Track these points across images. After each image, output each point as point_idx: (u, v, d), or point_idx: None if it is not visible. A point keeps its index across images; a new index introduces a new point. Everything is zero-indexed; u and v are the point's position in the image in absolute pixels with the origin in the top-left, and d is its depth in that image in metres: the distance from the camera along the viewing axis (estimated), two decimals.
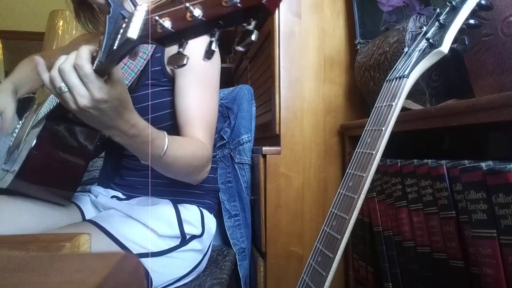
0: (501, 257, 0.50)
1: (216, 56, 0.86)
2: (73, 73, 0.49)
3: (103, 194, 0.92)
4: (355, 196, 0.58)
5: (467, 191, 0.55)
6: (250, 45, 0.33)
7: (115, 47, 0.43)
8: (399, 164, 0.72)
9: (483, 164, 0.52)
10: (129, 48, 0.43)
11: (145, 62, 0.79)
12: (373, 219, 0.82)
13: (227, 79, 2.05)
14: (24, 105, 0.95)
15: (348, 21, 1.10)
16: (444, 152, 0.81)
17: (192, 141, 0.75)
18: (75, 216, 0.88)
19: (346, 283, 1.04)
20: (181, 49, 0.39)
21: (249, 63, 1.54)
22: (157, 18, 0.36)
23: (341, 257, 0.57)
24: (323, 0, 1.09)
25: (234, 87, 1.20)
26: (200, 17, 0.33)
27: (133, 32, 0.39)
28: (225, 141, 1.13)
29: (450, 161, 0.60)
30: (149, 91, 0.81)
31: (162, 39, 0.37)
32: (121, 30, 0.43)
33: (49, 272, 0.20)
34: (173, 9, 0.35)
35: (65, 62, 0.50)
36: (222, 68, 0.94)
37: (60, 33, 2.48)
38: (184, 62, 0.39)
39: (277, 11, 1.07)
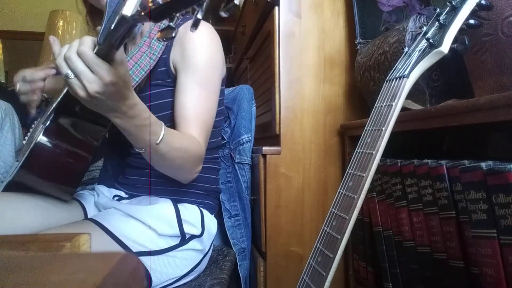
0: (501, 257, 0.50)
1: (221, 60, 0.87)
2: (79, 59, 0.51)
3: (105, 194, 0.93)
4: (355, 196, 0.58)
5: (467, 191, 0.55)
6: (233, 10, 0.35)
7: (112, 28, 0.44)
8: (399, 164, 0.72)
9: (483, 164, 0.52)
10: (125, 27, 0.43)
11: (154, 63, 0.81)
12: (373, 219, 0.82)
13: (227, 79, 2.04)
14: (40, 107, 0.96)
15: (348, 21, 1.10)
16: (444, 152, 0.81)
17: (188, 136, 0.76)
18: (78, 214, 0.89)
19: (346, 283, 1.04)
20: (171, 23, 0.40)
21: (249, 63, 1.54)
22: None
23: (341, 257, 0.57)
24: (323, 0, 1.09)
25: (234, 87, 1.20)
26: None
27: (128, 9, 0.40)
28: (225, 141, 1.13)
29: (450, 161, 0.60)
30: (150, 92, 0.81)
31: (153, 13, 0.38)
32: (119, 11, 0.44)
33: (49, 272, 0.20)
34: None
35: (69, 49, 0.51)
36: None
37: (60, 33, 2.48)
38: (173, 35, 0.41)
39: (277, 11, 1.07)
